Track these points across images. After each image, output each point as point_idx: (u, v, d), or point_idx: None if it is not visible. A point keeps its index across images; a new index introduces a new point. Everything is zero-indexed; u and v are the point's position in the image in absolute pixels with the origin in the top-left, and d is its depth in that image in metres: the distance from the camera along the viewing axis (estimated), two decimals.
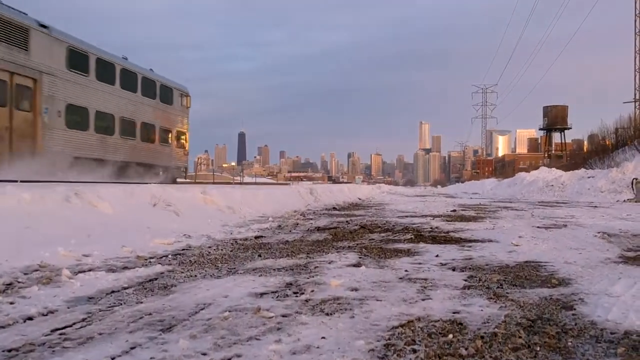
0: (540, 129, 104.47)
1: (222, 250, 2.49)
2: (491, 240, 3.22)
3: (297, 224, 4.04)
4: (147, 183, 5.50)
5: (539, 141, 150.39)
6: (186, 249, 2.48)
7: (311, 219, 4.82)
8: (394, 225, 4.17)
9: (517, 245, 2.98)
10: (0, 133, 8.39)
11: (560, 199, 11.37)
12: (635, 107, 40.29)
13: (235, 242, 2.88)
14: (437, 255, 2.46)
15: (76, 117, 11.26)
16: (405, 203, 9.42)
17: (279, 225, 3.88)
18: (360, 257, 2.34)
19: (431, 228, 3.94)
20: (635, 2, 39.53)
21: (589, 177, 11.85)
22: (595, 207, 7.94)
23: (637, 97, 39.74)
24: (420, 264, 2.18)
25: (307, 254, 2.44)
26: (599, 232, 3.77)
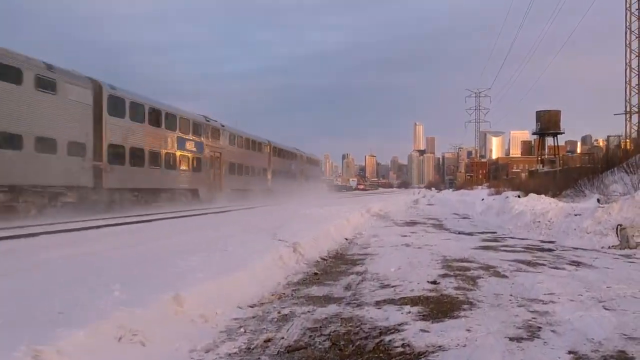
0: (534, 134, 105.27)
1: None
2: None
3: (269, 340, 4.00)
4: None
5: (533, 144, 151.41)
6: None
7: (286, 316, 4.78)
8: (366, 337, 4.14)
9: None
10: None
11: (547, 238, 11.39)
12: (626, 119, 40.62)
13: None
14: None
15: (310, 178, 52.64)
16: (391, 251, 9.38)
17: (248, 348, 3.84)
18: None
19: (402, 345, 3.91)
20: (626, 15, 39.81)
21: (575, 215, 11.90)
22: (579, 263, 7.93)
23: (628, 110, 39.95)
24: None
25: None
26: (570, 354, 3.75)
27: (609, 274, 7.04)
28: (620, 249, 9.59)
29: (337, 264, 8.09)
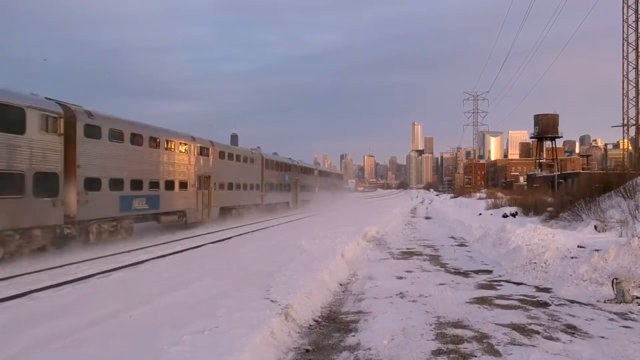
0: (532, 137, 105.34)
1: None
2: None
3: None
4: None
5: (531, 146, 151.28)
6: None
7: None
8: None
9: None
10: None
11: (543, 283, 11.32)
12: (623, 131, 40.50)
13: None
14: None
15: (338, 189, 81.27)
16: (385, 307, 9.30)
17: None
18: None
19: None
20: (623, 27, 39.71)
21: (572, 258, 11.89)
22: (574, 330, 7.86)
23: (626, 122, 39.85)
24: None
25: None
26: None
27: (604, 349, 6.97)
28: (616, 302, 9.53)
29: (330, 331, 8.01)
